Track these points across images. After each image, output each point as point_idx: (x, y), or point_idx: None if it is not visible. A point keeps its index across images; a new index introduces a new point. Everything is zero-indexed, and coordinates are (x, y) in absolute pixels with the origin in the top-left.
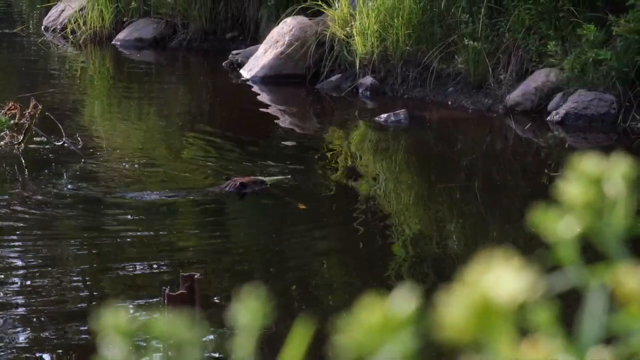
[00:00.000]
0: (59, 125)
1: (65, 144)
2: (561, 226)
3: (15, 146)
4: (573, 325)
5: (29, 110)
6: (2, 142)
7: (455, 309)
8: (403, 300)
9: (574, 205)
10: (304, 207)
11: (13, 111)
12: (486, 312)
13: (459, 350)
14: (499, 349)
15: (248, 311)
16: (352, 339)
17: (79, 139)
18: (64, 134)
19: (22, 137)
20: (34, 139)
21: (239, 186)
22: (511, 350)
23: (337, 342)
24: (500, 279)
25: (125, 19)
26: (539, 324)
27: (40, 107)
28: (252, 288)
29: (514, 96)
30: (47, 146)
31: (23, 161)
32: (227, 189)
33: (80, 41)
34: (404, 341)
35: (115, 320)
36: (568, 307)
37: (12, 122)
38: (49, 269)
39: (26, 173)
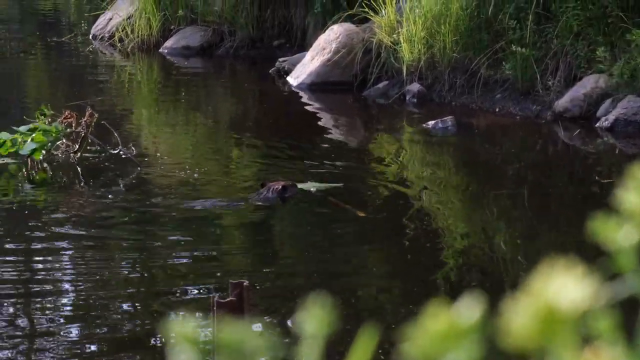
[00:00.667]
0: (115, 133)
1: (121, 153)
2: (621, 234)
3: (71, 155)
4: (633, 333)
5: (85, 119)
6: (58, 151)
7: (520, 317)
8: (468, 309)
9: (632, 214)
10: (363, 214)
11: (69, 120)
12: (550, 319)
13: (523, 357)
14: (562, 356)
15: (314, 319)
16: (418, 347)
17: (132, 147)
18: (119, 142)
19: (78, 146)
20: (89, 147)
21: (280, 190)
22: (574, 357)
23: (403, 350)
24: (564, 287)
25: (172, 27)
26: (601, 331)
27: (96, 115)
28: (318, 296)
29: (563, 102)
30: (102, 154)
31: (79, 170)
32: (268, 194)
33: (128, 49)
34: (468, 349)
35: (183, 329)
36: (628, 314)
37: (68, 130)
38: (99, 275)
39: (82, 181)
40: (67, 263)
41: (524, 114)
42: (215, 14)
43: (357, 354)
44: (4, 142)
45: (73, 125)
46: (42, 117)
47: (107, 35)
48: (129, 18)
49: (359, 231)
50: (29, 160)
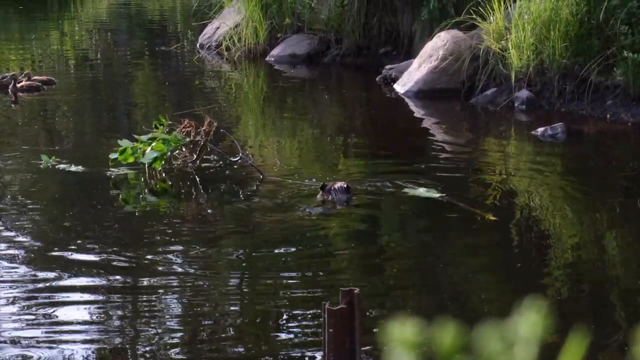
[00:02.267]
0: (235, 142)
1: (241, 161)
2: None
3: (190, 164)
4: None
5: (204, 128)
6: (177, 160)
7: None
8: None
9: None
10: (494, 218)
11: (188, 129)
12: None
13: None
14: None
15: (528, 323)
16: None
17: (250, 155)
18: (240, 150)
19: (197, 155)
20: (206, 156)
21: (346, 188)
22: None
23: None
24: None
25: (279, 35)
26: None
27: (215, 124)
28: (534, 300)
29: None
30: (220, 163)
31: (197, 179)
32: (339, 195)
33: (235, 58)
34: None
35: (402, 333)
36: None
37: (187, 139)
38: (210, 284)
39: (201, 190)
40: (185, 272)
41: (636, 120)
42: (322, 22)
43: (567, 357)
44: (125, 149)
45: (192, 134)
46: (160, 127)
47: (214, 44)
48: (236, 27)
49: (461, 236)
50: (147, 170)
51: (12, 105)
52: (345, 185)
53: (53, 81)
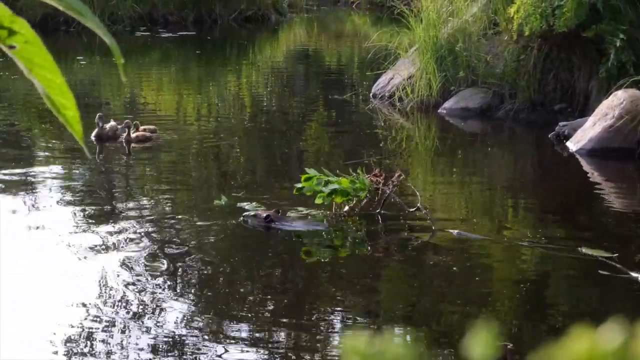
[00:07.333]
0: (417, 193)
1: (420, 211)
2: None
3: (374, 211)
4: None
5: (393, 179)
6: (359, 206)
7: None
8: (612, 333)
9: None
10: None
11: (378, 177)
12: None
13: None
14: None
15: (480, 344)
16: None
17: (425, 206)
18: (419, 200)
19: (380, 204)
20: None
21: (264, 217)
22: None
23: None
24: None
25: (452, 88)
26: None
27: (403, 176)
28: (484, 322)
29: None
30: (400, 213)
31: (380, 225)
32: (255, 221)
33: (407, 108)
34: None
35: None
36: None
37: (374, 186)
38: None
39: (381, 236)
40: (346, 322)
41: None
42: (496, 76)
43: None
44: (311, 177)
45: (380, 183)
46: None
47: (387, 94)
48: (409, 78)
49: (631, 297)
50: (333, 214)
51: (167, 148)
52: (265, 215)
53: (155, 131)
